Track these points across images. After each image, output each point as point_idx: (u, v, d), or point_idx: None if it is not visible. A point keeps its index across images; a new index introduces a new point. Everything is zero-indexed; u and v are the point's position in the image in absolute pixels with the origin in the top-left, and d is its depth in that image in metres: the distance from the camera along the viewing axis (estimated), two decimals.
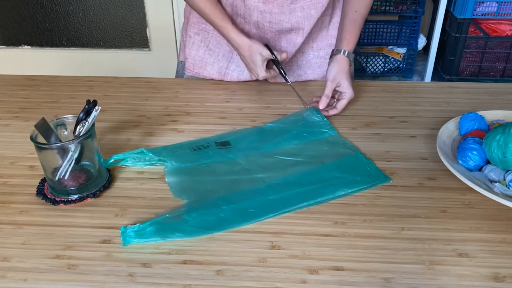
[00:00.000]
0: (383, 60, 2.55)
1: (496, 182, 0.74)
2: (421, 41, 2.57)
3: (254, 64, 1.00)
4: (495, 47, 2.30)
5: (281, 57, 1.01)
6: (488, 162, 0.78)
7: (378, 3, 2.45)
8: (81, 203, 0.74)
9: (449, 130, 0.87)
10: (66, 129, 0.78)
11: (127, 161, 0.81)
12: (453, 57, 2.35)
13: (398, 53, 2.52)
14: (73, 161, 0.73)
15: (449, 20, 2.36)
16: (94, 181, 0.76)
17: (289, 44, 1.10)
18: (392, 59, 2.54)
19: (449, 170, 0.77)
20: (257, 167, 0.82)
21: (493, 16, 2.26)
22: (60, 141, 0.76)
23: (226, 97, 1.07)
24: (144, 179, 0.80)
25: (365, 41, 2.58)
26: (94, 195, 0.75)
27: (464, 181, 0.73)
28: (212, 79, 1.15)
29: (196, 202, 0.73)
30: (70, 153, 0.73)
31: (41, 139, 0.73)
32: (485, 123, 0.86)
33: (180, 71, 1.20)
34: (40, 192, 0.75)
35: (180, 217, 0.69)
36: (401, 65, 2.54)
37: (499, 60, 2.33)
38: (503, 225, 0.69)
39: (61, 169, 0.73)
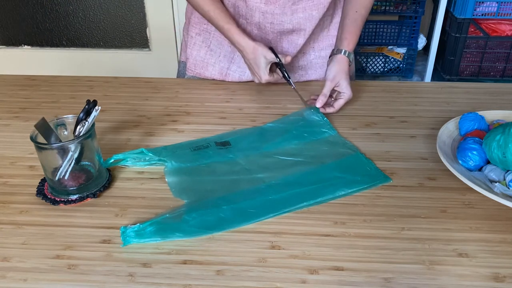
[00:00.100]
0: (383, 60, 2.55)
1: (496, 182, 0.74)
2: (421, 41, 2.57)
3: (257, 67, 1.00)
4: (495, 47, 2.30)
5: (285, 60, 1.01)
6: (488, 162, 0.78)
7: (378, 3, 2.45)
8: (81, 203, 0.74)
9: (449, 130, 0.87)
10: (66, 129, 0.78)
11: (127, 161, 0.81)
12: (453, 57, 2.35)
13: (398, 53, 2.52)
14: (73, 161, 0.73)
15: (449, 20, 2.36)
16: (94, 181, 0.76)
17: (290, 45, 1.09)
18: (392, 59, 2.54)
19: (449, 170, 0.77)
20: (257, 167, 0.82)
21: (493, 16, 2.26)
22: (60, 141, 0.76)
23: (226, 97, 1.07)
24: (144, 179, 0.80)
25: (365, 41, 2.58)
26: (94, 195, 0.75)
27: (464, 181, 0.73)
28: (214, 80, 1.15)
29: (196, 202, 0.73)
30: (70, 153, 0.73)
31: (41, 139, 0.73)
32: (485, 123, 0.86)
33: (182, 71, 1.20)
34: (40, 192, 0.75)
35: (180, 217, 0.69)
36: (401, 65, 2.54)
37: (499, 60, 2.33)
38: (503, 225, 0.69)
39: (61, 169, 0.73)
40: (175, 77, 1.22)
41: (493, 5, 2.23)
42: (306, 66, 1.16)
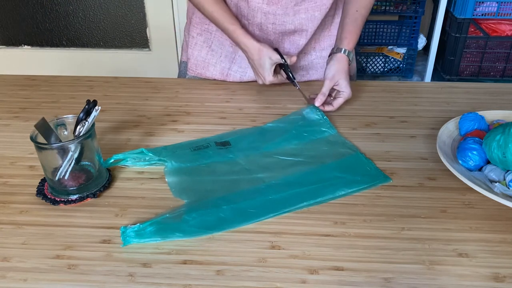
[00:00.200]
0: (383, 60, 2.55)
1: (496, 182, 0.74)
2: (421, 41, 2.57)
3: (262, 68, 1.00)
4: (495, 47, 2.30)
5: (290, 60, 1.01)
6: (488, 162, 0.78)
7: (378, 3, 2.45)
8: (81, 203, 0.74)
9: (449, 130, 0.87)
10: (66, 129, 0.78)
11: (127, 161, 0.81)
12: (453, 57, 2.35)
13: (398, 53, 2.52)
14: (73, 161, 0.73)
15: (449, 20, 2.36)
16: (94, 181, 0.76)
17: (292, 46, 1.09)
18: (392, 59, 2.54)
19: (449, 170, 0.77)
20: (257, 167, 0.82)
21: (493, 16, 2.26)
22: (60, 141, 0.76)
23: (226, 97, 1.07)
24: (144, 179, 0.80)
25: (365, 41, 2.58)
26: (94, 195, 0.75)
27: (464, 181, 0.73)
28: (215, 80, 1.15)
29: (196, 202, 0.73)
30: (70, 153, 0.73)
31: (41, 139, 0.73)
32: (485, 123, 0.86)
33: (183, 71, 1.20)
34: (40, 192, 0.75)
35: (180, 217, 0.69)
36: (401, 65, 2.54)
37: (499, 60, 2.33)
38: (503, 225, 0.69)
39: (61, 169, 0.73)
40: (175, 77, 1.22)
41: (493, 5, 2.23)
42: (307, 66, 1.16)
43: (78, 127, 0.75)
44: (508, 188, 0.72)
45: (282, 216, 0.71)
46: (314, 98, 0.98)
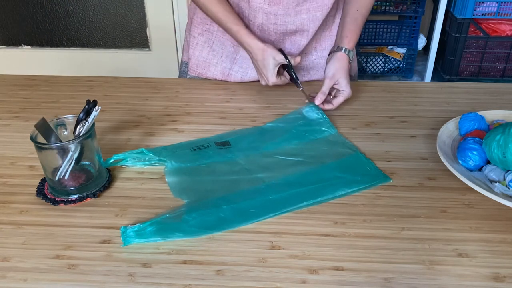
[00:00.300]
0: (383, 60, 2.55)
1: (496, 182, 0.74)
2: (421, 41, 2.57)
3: (265, 68, 1.00)
4: (495, 47, 2.30)
5: (295, 61, 1.01)
6: (488, 162, 0.78)
7: (378, 3, 2.45)
8: (81, 203, 0.74)
9: (449, 130, 0.87)
10: (66, 129, 0.78)
11: (127, 161, 0.81)
12: (453, 57, 2.35)
13: (398, 53, 2.52)
14: (73, 161, 0.73)
15: (449, 20, 2.36)
16: (94, 181, 0.76)
17: (293, 46, 1.09)
18: (392, 59, 2.54)
19: (449, 170, 0.77)
20: (257, 167, 0.82)
21: (493, 16, 2.26)
22: (60, 141, 0.76)
23: (226, 97, 1.07)
24: (144, 179, 0.80)
25: (365, 41, 2.58)
26: (94, 195, 0.75)
27: (464, 181, 0.73)
28: (216, 80, 1.15)
29: (196, 202, 0.73)
30: (70, 153, 0.73)
31: (41, 139, 0.73)
32: (485, 123, 0.86)
33: (183, 71, 1.20)
34: (40, 192, 0.75)
35: (180, 217, 0.69)
36: (401, 65, 2.54)
37: (499, 60, 2.33)
38: (503, 225, 0.69)
39: (61, 169, 0.73)
40: (175, 77, 1.22)
41: (493, 5, 2.23)
42: (308, 66, 1.15)
43: (78, 127, 0.75)
44: (508, 188, 0.72)
45: (282, 216, 0.71)
46: (314, 97, 0.98)
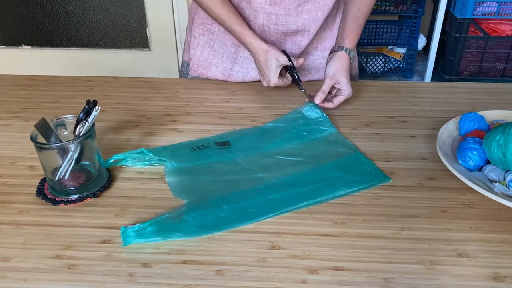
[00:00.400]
0: (383, 60, 2.55)
1: (496, 182, 0.74)
2: (421, 41, 2.57)
3: (268, 69, 1.00)
4: (495, 47, 2.30)
5: (297, 62, 1.01)
6: (488, 162, 0.78)
7: (378, 3, 2.45)
8: (81, 203, 0.74)
9: (449, 130, 0.87)
10: (66, 129, 0.78)
11: (127, 161, 0.81)
12: (453, 57, 2.35)
13: (398, 53, 2.52)
14: (73, 161, 0.73)
15: (449, 20, 2.36)
16: (94, 181, 0.76)
17: (294, 46, 1.09)
18: (392, 59, 2.54)
19: (449, 170, 0.77)
20: (257, 167, 0.82)
21: (493, 16, 2.26)
22: (60, 141, 0.76)
23: (226, 97, 1.07)
24: (144, 179, 0.80)
25: (365, 41, 2.58)
26: (94, 195, 0.75)
27: (464, 181, 0.73)
28: (217, 80, 1.15)
29: (196, 202, 0.73)
30: (70, 153, 0.73)
31: (41, 139, 0.73)
32: (485, 123, 0.86)
33: (184, 72, 1.20)
34: (40, 192, 0.75)
35: (180, 217, 0.69)
36: (401, 65, 2.54)
37: (499, 60, 2.33)
38: (503, 225, 0.69)
39: (61, 169, 0.73)
40: (175, 77, 1.22)
41: (493, 5, 2.23)
42: (309, 66, 1.15)
43: (78, 127, 0.75)
44: (508, 188, 0.72)
45: (282, 216, 0.71)
46: (314, 96, 0.98)
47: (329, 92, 1.00)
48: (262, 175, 0.79)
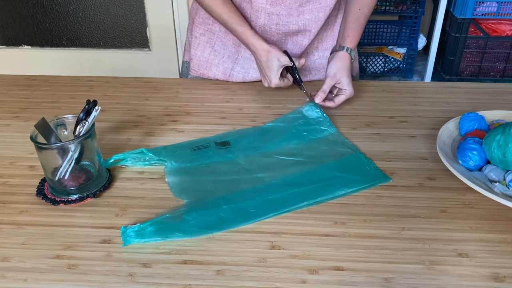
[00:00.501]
0: (383, 60, 2.55)
1: (496, 182, 0.74)
2: (421, 41, 2.57)
3: (269, 70, 1.00)
4: (495, 47, 2.30)
5: (299, 63, 1.01)
6: (488, 162, 0.78)
7: (378, 3, 2.45)
8: (81, 203, 0.74)
9: (449, 130, 0.87)
10: (66, 129, 0.78)
11: (127, 161, 0.81)
12: (453, 57, 2.35)
13: (398, 53, 2.52)
14: (73, 161, 0.73)
15: (449, 20, 2.36)
16: (94, 181, 0.76)
17: (295, 46, 1.09)
18: (392, 59, 2.54)
19: (449, 170, 0.77)
20: (257, 167, 0.82)
21: (493, 16, 2.26)
22: (60, 141, 0.76)
23: (226, 97, 1.07)
24: (144, 179, 0.80)
25: (365, 41, 2.57)
26: (94, 195, 0.75)
27: (464, 181, 0.73)
28: (217, 80, 1.15)
29: (196, 202, 0.73)
30: (70, 153, 0.73)
31: (41, 139, 0.73)
32: (485, 123, 0.86)
33: (185, 72, 1.20)
34: (40, 192, 0.75)
35: (180, 217, 0.69)
36: (401, 65, 2.54)
37: (499, 60, 2.33)
38: (503, 225, 0.69)
39: (61, 169, 0.73)
40: (175, 77, 1.22)
41: (493, 5, 2.23)
42: (309, 66, 1.15)
43: (78, 127, 0.75)
44: (508, 188, 0.72)
45: (282, 216, 0.71)
46: (315, 95, 0.98)
47: (331, 92, 1.00)
48: (262, 175, 0.79)
